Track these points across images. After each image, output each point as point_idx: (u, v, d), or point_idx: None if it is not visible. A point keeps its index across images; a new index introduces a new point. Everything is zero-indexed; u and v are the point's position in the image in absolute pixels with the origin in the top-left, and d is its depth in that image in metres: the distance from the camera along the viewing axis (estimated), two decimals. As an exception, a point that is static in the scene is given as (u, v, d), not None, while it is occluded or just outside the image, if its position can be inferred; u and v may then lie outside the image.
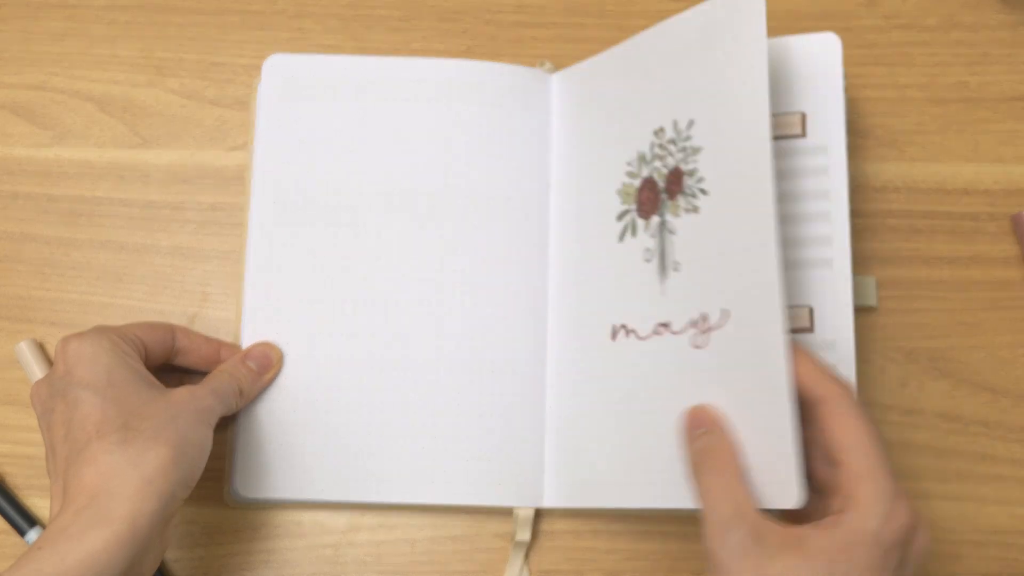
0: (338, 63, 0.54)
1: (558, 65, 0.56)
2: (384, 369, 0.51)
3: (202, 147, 0.56)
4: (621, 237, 0.50)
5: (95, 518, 0.40)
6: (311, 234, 0.52)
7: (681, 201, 0.47)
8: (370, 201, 0.52)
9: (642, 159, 0.49)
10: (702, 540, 0.40)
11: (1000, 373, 0.53)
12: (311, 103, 0.53)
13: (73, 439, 0.42)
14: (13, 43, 0.57)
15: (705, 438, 0.43)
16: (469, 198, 0.52)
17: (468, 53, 0.57)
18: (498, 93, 0.53)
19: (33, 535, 0.51)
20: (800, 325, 0.49)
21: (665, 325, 0.47)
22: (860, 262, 0.54)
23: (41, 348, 0.53)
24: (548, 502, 0.50)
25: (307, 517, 0.52)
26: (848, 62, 0.56)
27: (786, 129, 0.51)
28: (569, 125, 0.54)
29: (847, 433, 0.40)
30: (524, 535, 0.51)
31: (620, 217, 0.50)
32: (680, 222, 0.47)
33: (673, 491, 0.47)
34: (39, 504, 0.52)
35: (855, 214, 0.54)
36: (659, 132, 0.49)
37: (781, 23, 0.57)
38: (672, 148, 0.48)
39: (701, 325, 0.45)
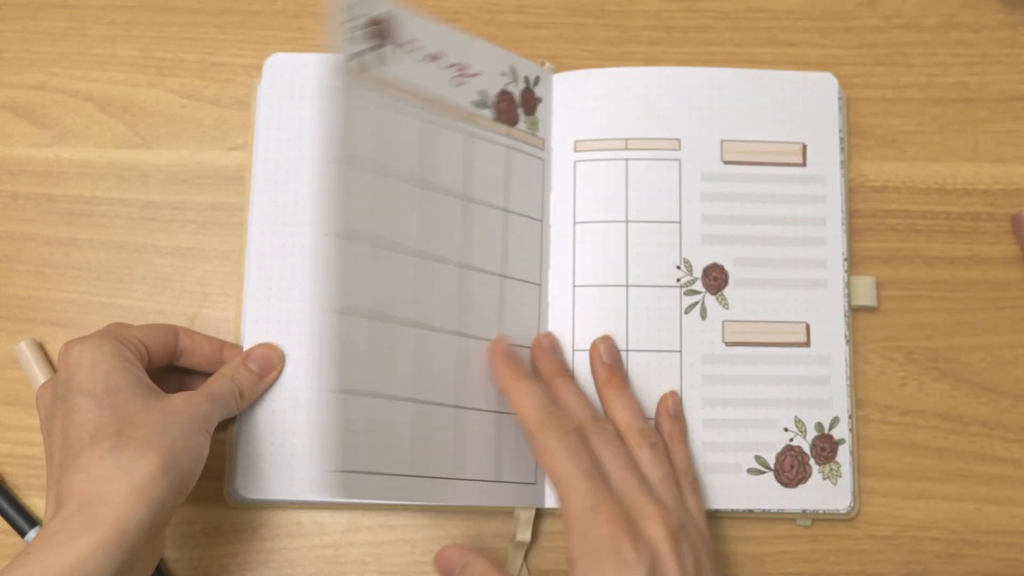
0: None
1: (558, 65, 0.56)
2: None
3: (202, 147, 0.56)
4: None
5: (84, 524, 0.40)
6: (311, 234, 0.52)
7: None
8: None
9: None
10: None
11: (1000, 373, 0.53)
12: (311, 103, 0.53)
13: (68, 445, 0.43)
14: (13, 43, 0.57)
15: (467, 571, 0.45)
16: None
17: (468, 53, 0.57)
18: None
19: (33, 535, 0.51)
20: (797, 340, 0.52)
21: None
22: (860, 262, 0.54)
23: (41, 348, 0.53)
24: (549, 502, 0.51)
25: (307, 517, 0.52)
26: (848, 62, 0.56)
27: (787, 157, 0.53)
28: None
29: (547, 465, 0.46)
30: (524, 535, 0.51)
31: None
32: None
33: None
34: (39, 504, 0.52)
35: (855, 214, 0.55)
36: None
37: (781, 23, 0.57)
38: None
39: None
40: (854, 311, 0.53)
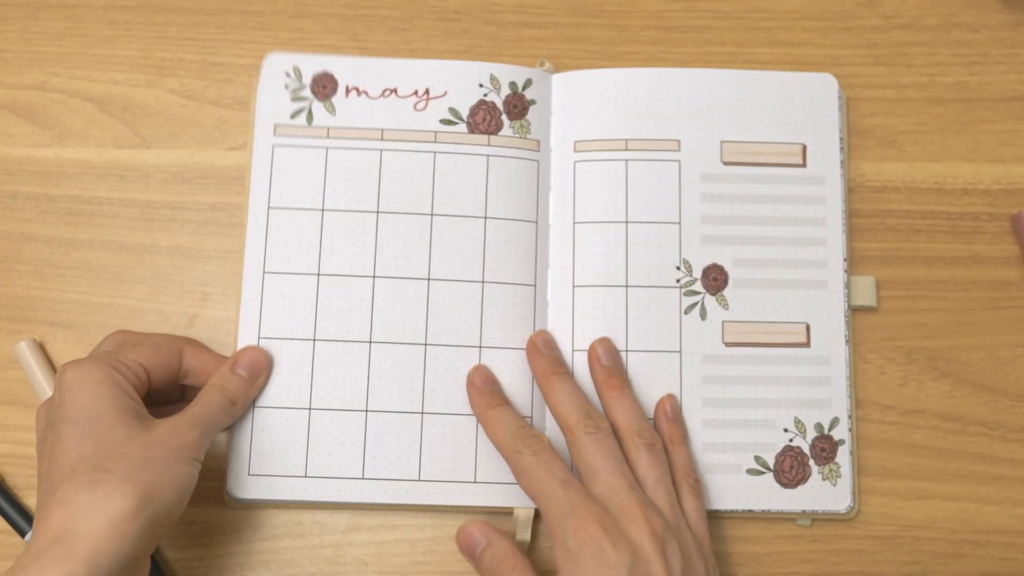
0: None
1: (558, 65, 0.56)
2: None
3: (202, 147, 0.56)
4: None
5: (56, 557, 0.40)
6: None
7: None
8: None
9: None
10: None
11: (1000, 373, 0.53)
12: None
13: (51, 475, 0.43)
14: (13, 43, 0.57)
15: (491, 550, 0.47)
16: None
17: (468, 53, 0.57)
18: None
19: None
20: (797, 341, 0.52)
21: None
22: (860, 262, 0.54)
23: (41, 348, 0.53)
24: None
25: (307, 517, 0.52)
26: (848, 62, 0.56)
27: (787, 158, 0.53)
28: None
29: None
30: (524, 535, 0.51)
31: None
32: None
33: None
34: (39, 504, 0.52)
35: (855, 214, 0.55)
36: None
37: (781, 23, 0.57)
38: None
39: None
40: (854, 311, 0.54)
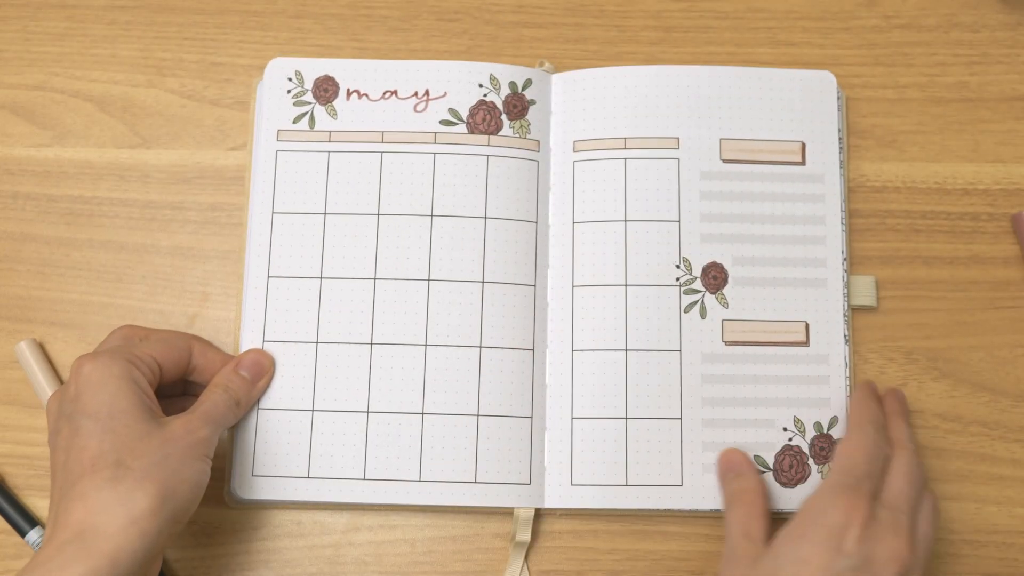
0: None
1: (558, 65, 0.56)
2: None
3: (202, 147, 0.56)
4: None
5: (77, 553, 0.40)
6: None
7: None
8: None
9: None
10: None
11: (1000, 373, 0.53)
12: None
13: (68, 470, 0.43)
14: (13, 43, 0.57)
15: (738, 481, 0.49)
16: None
17: (468, 53, 0.57)
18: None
19: (34, 535, 0.51)
20: (796, 339, 0.52)
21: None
22: (860, 262, 0.54)
23: (41, 348, 0.53)
24: (548, 502, 0.51)
25: (307, 517, 0.52)
26: (848, 62, 0.56)
27: (787, 156, 0.53)
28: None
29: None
30: (524, 535, 0.51)
31: None
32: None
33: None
34: (39, 504, 0.52)
35: (855, 214, 0.55)
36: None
37: (781, 23, 0.57)
38: None
39: None
40: (854, 311, 0.53)
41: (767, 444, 0.51)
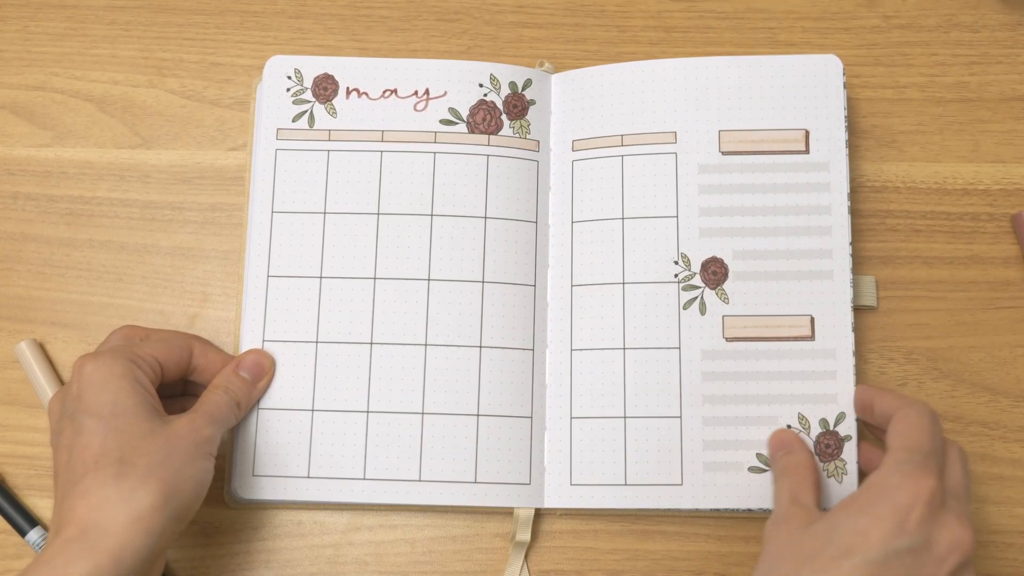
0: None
1: (558, 65, 0.56)
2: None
3: (202, 147, 0.56)
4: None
5: (81, 551, 0.40)
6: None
7: None
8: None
9: None
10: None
11: (1000, 373, 0.53)
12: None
13: (72, 468, 0.43)
14: (13, 43, 0.57)
15: (788, 457, 0.49)
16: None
17: (468, 53, 0.57)
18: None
19: (34, 535, 0.51)
20: (801, 333, 0.51)
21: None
22: (860, 262, 0.54)
23: (41, 348, 0.53)
24: (548, 503, 0.51)
25: (307, 517, 0.52)
26: (848, 62, 0.56)
27: (789, 145, 0.52)
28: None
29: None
30: (524, 535, 0.51)
31: None
32: None
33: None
34: (39, 504, 0.52)
35: (855, 214, 0.55)
36: None
37: (781, 23, 0.57)
38: None
39: None
40: (854, 311, 0.53)
41: (769, 442, 0.51)
